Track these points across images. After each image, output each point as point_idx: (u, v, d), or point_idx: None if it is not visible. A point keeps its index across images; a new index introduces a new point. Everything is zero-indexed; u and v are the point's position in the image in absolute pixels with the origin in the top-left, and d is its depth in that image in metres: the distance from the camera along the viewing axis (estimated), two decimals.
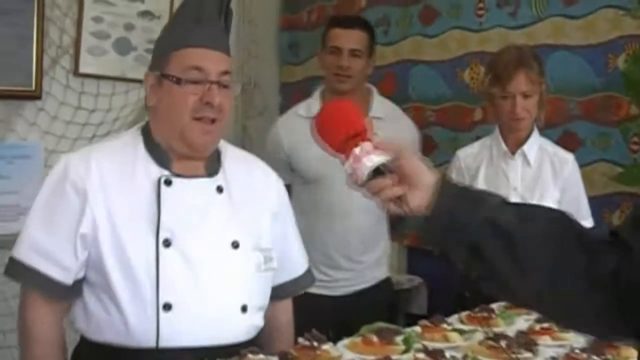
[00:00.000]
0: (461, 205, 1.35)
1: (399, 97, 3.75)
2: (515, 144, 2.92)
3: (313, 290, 3.19)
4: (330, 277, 3.12)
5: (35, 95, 3.26)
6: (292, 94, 4.68)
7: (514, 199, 2.84)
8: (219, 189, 1.98)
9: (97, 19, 3.44)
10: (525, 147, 2.90)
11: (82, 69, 3.44)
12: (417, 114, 3.71)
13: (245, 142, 4.09)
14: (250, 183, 1.99)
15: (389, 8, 4.07)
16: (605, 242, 1.29)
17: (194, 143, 1.91)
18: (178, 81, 1.88)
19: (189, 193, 1.93)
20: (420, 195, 1.37)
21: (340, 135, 1.48)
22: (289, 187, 2.56)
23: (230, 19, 2.02)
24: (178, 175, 1.93)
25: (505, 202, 1.39)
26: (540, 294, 1.31)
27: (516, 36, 3.53)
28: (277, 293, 2.12)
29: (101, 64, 3.45)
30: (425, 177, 1.38)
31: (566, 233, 1.31)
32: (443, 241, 1.39)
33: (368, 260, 3.15)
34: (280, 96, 4.80)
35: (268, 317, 2.06)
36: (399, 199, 1.39)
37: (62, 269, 1.86)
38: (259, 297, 2.02)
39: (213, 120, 1.90)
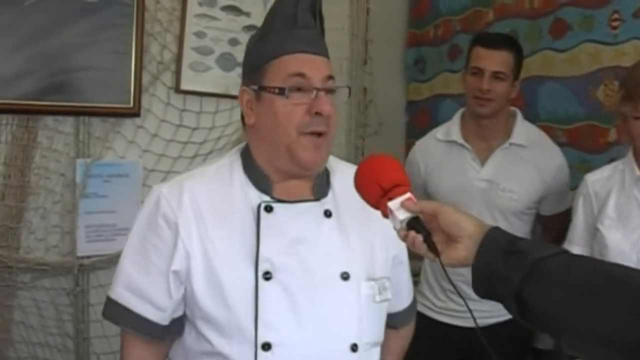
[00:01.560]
0: (503, 257, 1.33)
1: (527, 117, 3.46)
2: None
3: (446, 319, 3.03)
4: (464, 306, 2.87)
5: (133, 113, 3.18)
6: (418, 113, 4.50)
7: None
8: (327, 214, 1.79)
9: (200, 34, 3.34)
10: None
11: (184, 86, 3.33)
12: (547, 134, 3.38)
13: (358, 162, 3.91)
14: (362, 204, 1.75)
15: (517, 21, 3.78)
16: None
17: (303, 161, 1.72)
18: (281, 91, 1.70)
19: (293, 219, 1.76)
20: (462, 247, 1.40)
21: (372, 195, 1.54)
22: None
23: (324, 23, 1.85)
24: (280, 201, 1.75)
25: (560, 253, 1.33)
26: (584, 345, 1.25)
27: None
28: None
29: (204, 81, 3.34)
30: (464, 230, 1.40)
31: (617, 286, 1.22)
32: (491, 294, 1.38)
33: None
34: (407, 115, 4.62)
35: None
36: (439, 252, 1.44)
37: (157, 309, 1.74)
38: (372, 333, 1.83)
39: (321, 134, 1.71)
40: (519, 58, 3.04)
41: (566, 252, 1.34)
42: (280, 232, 1.73)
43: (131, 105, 3.17)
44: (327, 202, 1.81)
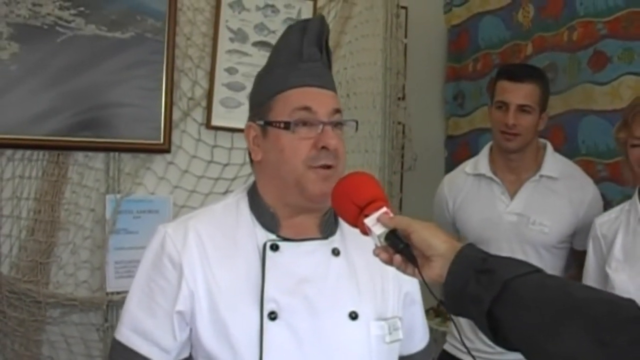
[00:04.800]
0: (474, 276, 1.32)
1: (567, 151, 3.39)
2: None
3: None
4: (494, 349, 2.78)
5: (164, 149, 3.19)
6: (457, 148, 4.45)
7: None
8: (335, 252, 1.75)
9: (231, 70, 3.35)
10: None
11: (215, 122, 3.34)
12: (588, 169, 3.28)
13: (394, 199, 3.87)
14: (372, 241, 1.73)
15: (556, 54, 3.71)
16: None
17: (312, 193, 1.68)
18: (286, 126, 1.67)
19: (299, 258, 1.72)
20: (435, 265, 1.40)
21: (349, 214, 1.55)
22: None
23: (331, 57, 1.83)
24: (286, 239, 1.72)
25: (532, 272, 1.32)
26: None
27: None
28: None
29: (235, 117, 3.33)
30: (435, 249, 1.40)
31: (585, 307, 1.21)
32: (463, 313, 1.36)
33: None
34: (447, 150, 4.57)
35: None
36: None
37: (163, 351, 1.69)
38: None
39: (330, 167, 1.68)
40: (546, 89, 2.96)
41: (539, 270, 1.33)
42: (287, 272, 1.69)
43: (162, 141, 3.18)
44: (335, 241, 1.77)
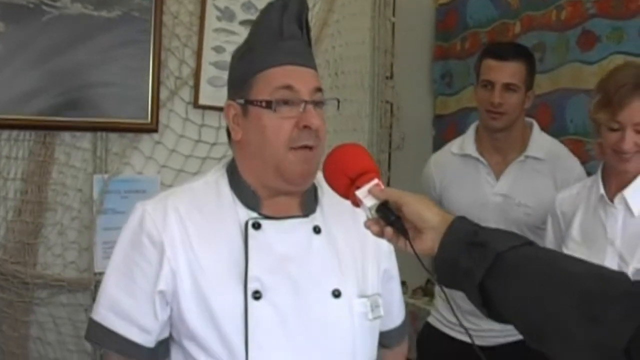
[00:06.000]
0: (466, 249, 1.30)
1: (555, 130, 3.40)
2: (618, 187, 2.38)
3: (460, 337, 2.94)
4: (477, 325, 2.78)
5: (151, 128, 3.17)
6: (445, 127, 4.45)
7: (610, 255, 2.32)
8: (316, 230, 1.74)
9: (218, 49, 3.32)
10: (627, 192, 2.34)
11: (202, 101, 3.31)
12: (576, 148, 3.30)
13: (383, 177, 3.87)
14: (351, 218, 1.73)
15: (544, 33, 3.71)
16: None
17: (292, 176, 1.68)
18: (268, 105, 1.65)
19: (281, 236, 1.71)
20: (426, 238, 1.38)
21: (341, 185, 1.53)
22: None
23: (310, 35, 1.81)
24: (268, 217, 1.71)
25: (524, 244, 1.30)
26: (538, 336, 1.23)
27: None
28: None
29: (223, 96, 3.23)
30: (427, 222, 1.38)
31: (576, 280, 1.20)
32: (455, 286, 1.35)
33: None
34: (434, 129, 4.57)
35: None
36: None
37: (143, 331, 1.68)
38: (366, 352, 1.77)
39: (311, 148, 1.67)
40: (531, 67, 2.94)
41: (531, 243, 1.32)
42: (269, 250, 1.68)
43: (149, 120, 3.15)
44: (315, 218, 1.77)
